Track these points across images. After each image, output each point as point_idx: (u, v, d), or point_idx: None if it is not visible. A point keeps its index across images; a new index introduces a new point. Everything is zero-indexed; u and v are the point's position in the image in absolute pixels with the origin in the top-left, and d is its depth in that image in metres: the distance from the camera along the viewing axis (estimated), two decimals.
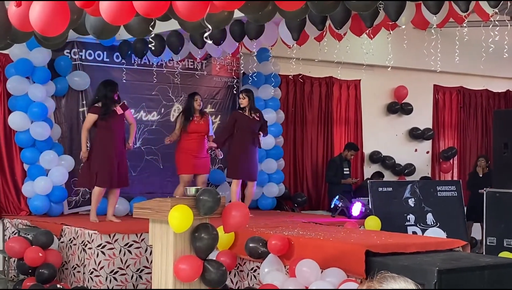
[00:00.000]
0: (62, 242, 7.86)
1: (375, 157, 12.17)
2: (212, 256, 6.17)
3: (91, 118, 8.36)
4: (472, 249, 9.11)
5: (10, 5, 5.02)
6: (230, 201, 9.11)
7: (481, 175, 11.51)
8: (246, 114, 9.20)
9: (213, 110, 10.47)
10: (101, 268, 7.28)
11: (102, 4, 4.74)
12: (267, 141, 10.14)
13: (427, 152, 12.96)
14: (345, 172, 11.04)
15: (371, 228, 8.36)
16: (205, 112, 9.59)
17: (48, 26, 4.81)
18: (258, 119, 9.27)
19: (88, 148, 8.55)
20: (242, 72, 10.66)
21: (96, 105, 8.39)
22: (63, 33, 5.13)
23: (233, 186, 9.21)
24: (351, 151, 11.17)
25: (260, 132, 9.33)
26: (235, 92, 10.58)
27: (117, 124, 8.43)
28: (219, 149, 9.32)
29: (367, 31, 7.81)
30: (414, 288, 2.23)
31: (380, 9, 6.59)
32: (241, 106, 9.24)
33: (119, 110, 8.45)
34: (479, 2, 6.47)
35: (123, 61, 9.61)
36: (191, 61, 10.19)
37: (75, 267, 7.59)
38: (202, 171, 9.23)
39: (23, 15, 4.92)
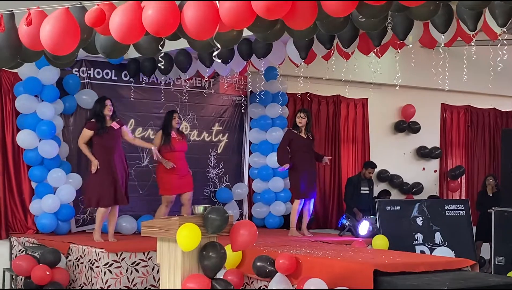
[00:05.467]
0: (69, 260, 7.85)
1: (383, 175, 12.15)
2: (220, 274, 6.15)
3: (86, 133, 8.32)
4: (480, 268, 9.07)
5: (21, 24, 5.06)
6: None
7: (490, 195, 11.47)
8: (302, 134, 9.30)
9: (221, 128, 10.48)
10: (108, 286, 7.26)
11: (112, 23, 4.79)
12: (274, 160, 10.12)
13: (435, 171, 12.93)
14: (362, 191, 11.01)
15: (379, 247, 8.34)
16: (183, 132, 9.47)
17: (59, 45, 4.85)
18: (312, 139, 9.40)
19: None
20: (249, 90, 10.68)
21: (92, 120, 8.39)
22: (73, 52, 5.17)
23: (295, 205, 9.31)
24: (369, 169, 11.16)
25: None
26: (242, 110, 10.60)
27: (114, 141, 8.37)
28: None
29: (375, 50, 7.83)
30: None
31: (388, 28, 6.61)
32: (299, 125, 9.32)
33: (115, 125, 8.42)
34: (487, 21, 6.48)
35: (131, 79, 9.64)
36: (198, 80, 10.21)
37: (83, 286, 7.57)
38: (186, 190, 9.13)
39: (33, 34, 4.96)
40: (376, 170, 12.04)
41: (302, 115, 9.39)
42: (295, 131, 9.36)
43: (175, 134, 9.10)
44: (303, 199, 9.33)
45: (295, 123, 9.44)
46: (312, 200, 9.48)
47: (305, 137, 9.35)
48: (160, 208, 8.97)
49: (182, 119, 9.48)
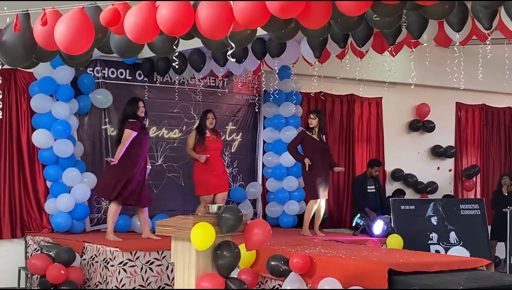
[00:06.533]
0: (84, 259, 7.88)
1: (397, 175, 12.11)
2: (234, 274, 6.16)
3: (129, 134, 8.22)
4: (495, 268, 9.01)
5: (36, 24, 5.08)
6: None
7: (506, 194, 11.40)
8: (314, 136, 9.28)
9: (235, 127, 10.48)
10: (123, 285, 7.29)
11: (126, 23, 4.81)
12: (288, 159, 10.13)
13: (450, 170, 12.87)
14: (369, 190, 10.97)
15: (393, 247, 8.31)
16: (218, 131, 9.50)
17: (73, 45, 4.87)
18: (325, 141, 9.36)
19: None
20: (263, 89, 10.67)
21: (132, 120, 8.32)
22: (88, 52, 5.19)
23: (309, 205, 9.29)
24: (375, 168, 11.12)
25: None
26: (256, 110, 10.61)
27: (146, 142, 8.48)
28: None
29: (389, 48, 7.80)
30: None
31: (402, 27, 6.58)
32: (310, 126, 9.32)
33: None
34: (503, 19, 6.44)
35: (145, 79, 9.66)
36: (212, 79, 10.22)
37: (97, 285, 7.60)
38: (222, 190, 9.22)
39: (48, 34, 4.98)
40: (390, 169, 12.01)
41: (312, 115, 9.37)
42: (308, 133, 9.34)
43: (209, 133, 9.15)
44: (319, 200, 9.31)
45: (308, 124, 9.43)
46: (325, 200, 9.45)
47: (318, 139, 9.31)
48: (199, 208, 9.03)
49: (216, 118, 9.47)
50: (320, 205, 9.34)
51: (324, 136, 9.40)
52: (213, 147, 9.13)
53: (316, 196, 9.23)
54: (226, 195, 9.36)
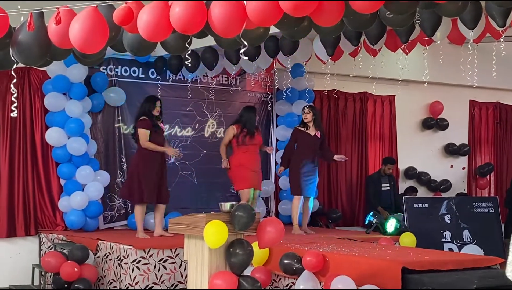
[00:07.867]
0: (97, 257, 7.91)
1: (410, 173, 12.07)
2: (247, 272, 6.16)
3: (145, 133, 8.30)
4: None
5: (50, 23, 5.10)
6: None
7: None
8: (308, 131, 9.24)
9: None
10: (136, 283, 7.31)
11: (139, 21, 4.82)
12: None
13: (463, 168, 12.82)
14: (383, 188, 10.95)
15: (407, 245, 8.29)
16: (257, 126, 9.54)
17: (87, 44, 4.89)
18: (319, 137, 9.28)
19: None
20: (276, 87, 10.66)
21: (143, 118, 8.37)
22: (102, 50, 5.21)
23: (295, 201, 9.21)
24: (388, 165, 11.09)
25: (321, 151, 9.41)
26: (269, 108, 10.60)
27: (161, 139, 8.50)
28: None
29: (403, 46, 7.78)
30: None
31: (416, 25, 6.55)
32: (305, 120, 9.27)
33: (162, 127, 8.56)
34: None
35: (158, 77, 9.69)
36: (225, 77, 10.23)
37: (111, 282, 7.63)
38: (257, 187, 9.22)
39: (62, 33, 5.00)
40: (404, 167, 11.98)
41: (305, 110, 9.31)
42: (302, 128, 9.31)
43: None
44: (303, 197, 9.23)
45: (302, 120, 9.39)
46: (312, 198, 9.39)
47: (313, 134, 9.25)
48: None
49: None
50: (306, 204, 9.29)
51: (319, 132, 9.31)
52: (254, 142, 9.16)
53: (299, 192, 9.14)
54: (260, 194, 9.33)
